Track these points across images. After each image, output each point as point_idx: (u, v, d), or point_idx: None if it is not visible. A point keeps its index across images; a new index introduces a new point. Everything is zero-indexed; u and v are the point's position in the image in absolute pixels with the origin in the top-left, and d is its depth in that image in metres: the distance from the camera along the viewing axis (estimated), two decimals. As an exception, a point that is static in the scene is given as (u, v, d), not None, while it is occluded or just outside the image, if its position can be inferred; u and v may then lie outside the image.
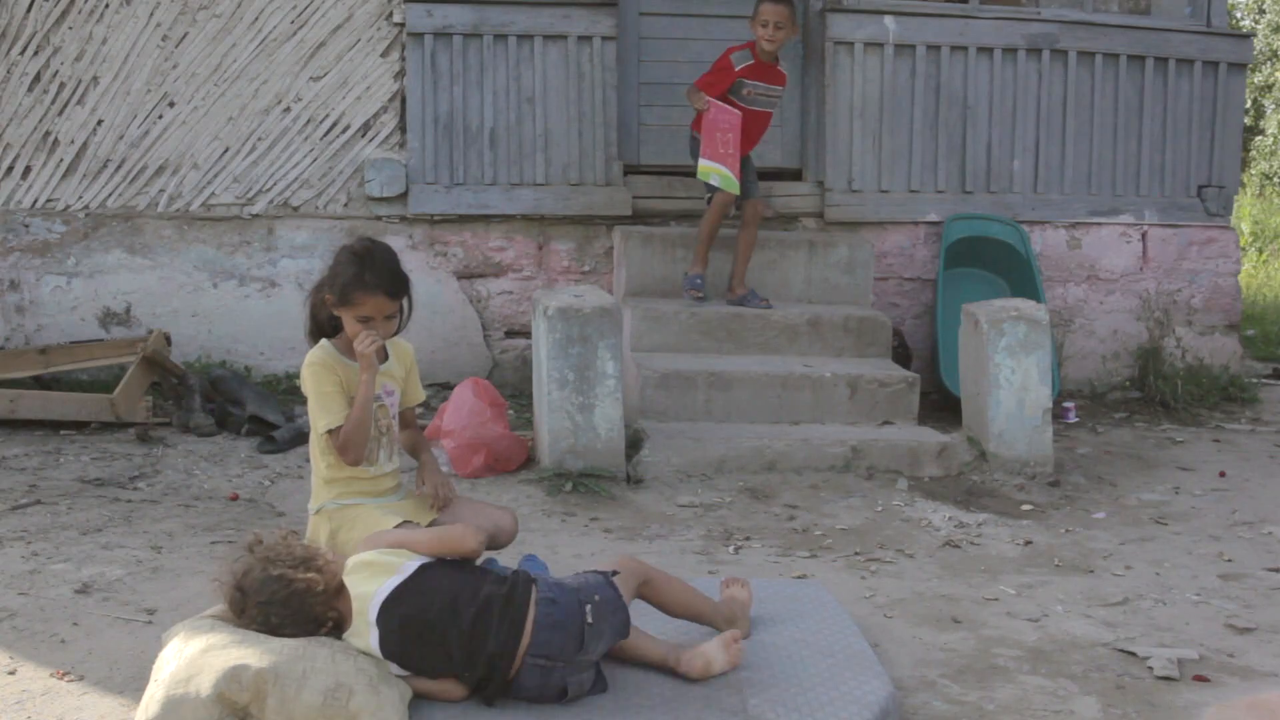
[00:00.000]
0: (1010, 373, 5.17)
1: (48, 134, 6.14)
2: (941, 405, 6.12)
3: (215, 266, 6.27)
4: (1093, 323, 6.95)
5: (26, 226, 6.18)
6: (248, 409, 5.54)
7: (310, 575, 2.74)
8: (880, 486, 5.01)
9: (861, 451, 5.14)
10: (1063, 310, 6.86)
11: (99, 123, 6.15)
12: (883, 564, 4.15)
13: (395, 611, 2.72)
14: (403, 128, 6.30)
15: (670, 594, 3.12)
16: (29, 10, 6.04)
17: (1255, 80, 20.88)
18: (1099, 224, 6.93)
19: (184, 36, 6.14)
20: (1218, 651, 3.43)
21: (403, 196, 6.30)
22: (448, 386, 6.01)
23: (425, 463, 3.51)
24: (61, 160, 6.15)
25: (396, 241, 5.98)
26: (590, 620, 2.75)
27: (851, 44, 6.57)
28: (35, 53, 6.08)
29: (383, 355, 3.39)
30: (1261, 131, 20.95)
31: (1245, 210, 14.48)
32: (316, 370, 3.30)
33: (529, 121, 6.37)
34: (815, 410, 5.47)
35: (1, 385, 5.52)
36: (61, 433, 5.44)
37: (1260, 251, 13.31)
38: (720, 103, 5.73)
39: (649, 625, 3.07)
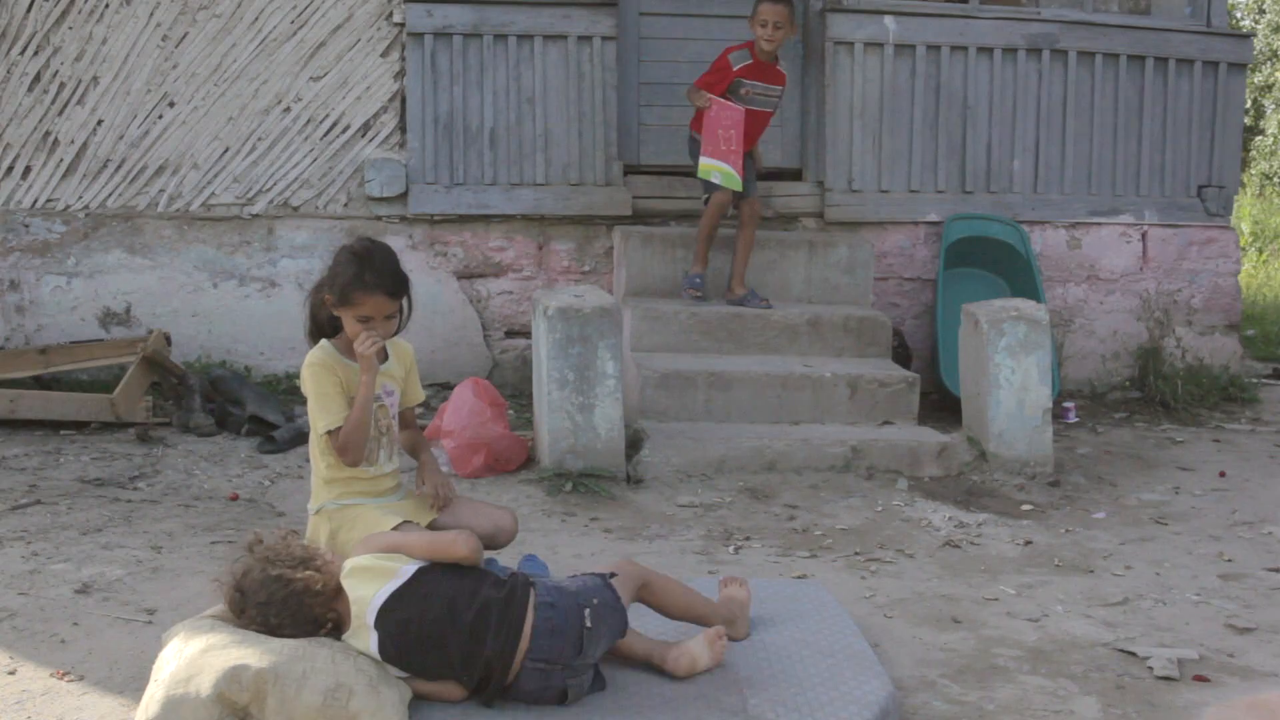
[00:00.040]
0: (1010, 373, 5.17)
1: (48, 134, 6.14)
2: (941, 405, 6.12)
3: (215, 266, 6.27)
4: (1093, 323, 6.95)
5: (26, 226, 6.18)
6: (248, 409, 5.54)
7: (309, 574, 2.75)
8: (880, 486, 5.01)
9: (861, 451, 5.14)
10: (1063, 310, 6.85)
11: (99, 123, 6.15)
12: (883, 564, 4.15)
13: (393, 615, 2.72)
14: (403, 128, 6.30)
15: (669, 596, 3.12)
16: (29, 10, 6.04)
17: (1255, 80, 20.88)
18: (1099, 224, 6.93)
19: (184, 36, 6.14)
20: (1218, 651, 3.43)
21: (403, 196, 6.30)
22: (448, 386, 6.01)
23: (425, 463, 3.51)
24: (61, 160, 6.15)
25: (396, 241, 5.99)
26: (589, 624, 2.75)
27: (851, 44, 6.56)
28: (35, 53, 6.08)
29: (383, 355, 3.39)
30: (1261, 131, 20.95)
31: (1245, 210, 14.48)
32: (316, 370, 3.30)
33: (529, 121, 6.37)
34: (815, 410, 5.48)
35: (1, 385, 5.52)
36: (61, 433, 5.44)
37: (1260, 251, 13.30)
38: (723, 100, 5.74)
39: (648, 627, 3.07)
